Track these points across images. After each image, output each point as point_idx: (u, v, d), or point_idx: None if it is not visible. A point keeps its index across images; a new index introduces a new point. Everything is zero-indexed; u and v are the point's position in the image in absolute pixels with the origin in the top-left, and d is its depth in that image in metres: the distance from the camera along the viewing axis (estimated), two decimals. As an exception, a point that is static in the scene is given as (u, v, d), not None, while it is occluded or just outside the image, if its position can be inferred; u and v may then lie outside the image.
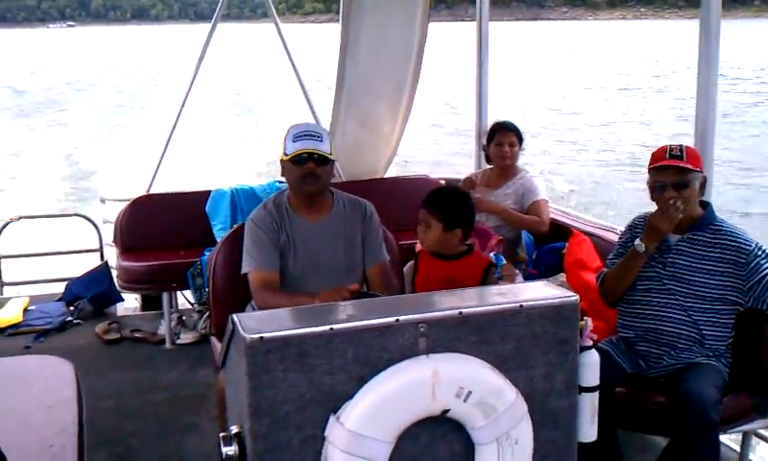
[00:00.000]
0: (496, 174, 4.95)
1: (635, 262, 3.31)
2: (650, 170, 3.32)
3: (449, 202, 3.35)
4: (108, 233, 6.25)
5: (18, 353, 4.91)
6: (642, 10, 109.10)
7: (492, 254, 3.22)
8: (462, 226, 3.32)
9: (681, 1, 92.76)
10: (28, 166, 18.50)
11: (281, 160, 3.41)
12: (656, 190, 3.28)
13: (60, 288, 6.27)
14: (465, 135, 14.79)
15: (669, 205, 3.19)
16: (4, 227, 6.72)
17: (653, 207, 3.37)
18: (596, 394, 2.42)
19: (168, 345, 5.40)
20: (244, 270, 3.40)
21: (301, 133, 3.37)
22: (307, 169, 3.31)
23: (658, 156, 3.29)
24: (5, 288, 6.73)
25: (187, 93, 6.34)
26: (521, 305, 2.25)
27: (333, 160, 3.42)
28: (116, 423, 4.30)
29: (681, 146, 3.30)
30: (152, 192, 6.27)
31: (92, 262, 6.62)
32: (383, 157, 6.56)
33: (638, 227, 3.45)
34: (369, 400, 2.10)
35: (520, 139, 4.89)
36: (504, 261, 3.19)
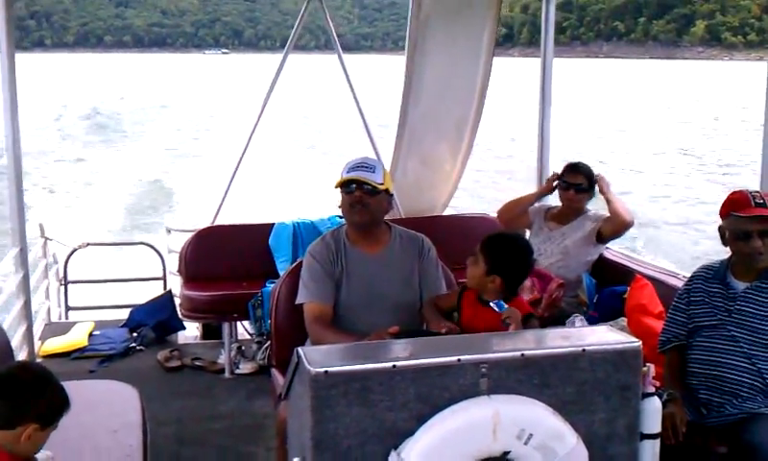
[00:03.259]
0: (565, 212, 4.93)
1: None
2: (729, 216, 3.25)
3: (501, 247, 3.21)
4: (172, 262, 6.39)
5: (83, 377, 5.03)
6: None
7: (492, 303, 3.10)
8: (502, 275, 3.15)
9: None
10: (97, 193, 18.99)
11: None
12: (739, 238, 3.22)
13: (124, 314, 6.41)
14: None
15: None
16: (72, 253, 6.92)
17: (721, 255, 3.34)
18: (657, 441, 2.41)
19: (227, 374, 5.48)
20: (299, 300, 3.46)
21: (356, 165, 3.45)
22: (355, 198, 3.38)
23: (740, 202, 3.21)
24: (71, 313, 6.93)
25: (255, 124, 6.46)
26: (584, 349, 2.26)
27: (385, 192, 3.45)
28: (176, 449, 4.37)
29: (759, 193, 3.25)
30: (216, 223, 6.39)
31: (156, 290, 6.76)
32: (442, 195, 6.59)
33: (699, 279, 3.41)
34: (429, 437, 2.13)
35: (591, 182, 4.85)
36: (506, 306, 3.07)
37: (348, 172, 3.42)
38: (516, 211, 5.09)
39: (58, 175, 21.66)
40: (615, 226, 4.71)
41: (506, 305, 3.04)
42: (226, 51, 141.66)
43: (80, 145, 28.09)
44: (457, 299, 3.31)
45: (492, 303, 3.07)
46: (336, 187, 3.45)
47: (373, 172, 3.41)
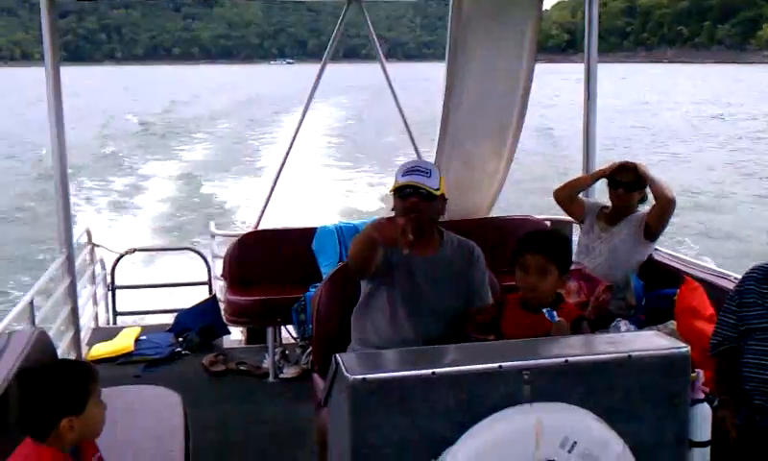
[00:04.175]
0: (614, 213, 4.83)
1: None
2: None
3: (562, 246, 3.18)
4: (217, 267, 6.43)
5: (129, 382, 5.08)
6: None
7: (544, 311, 3.02)
8: (568, 271, 3.18)
9: None
10: (145, 198, 19.27)
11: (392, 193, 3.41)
12: None
13: (169, 319, 6.47)
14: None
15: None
16: (119, 259, 7.01)
17: None
18: (707, 449, 2.34)
19: (271, 378, 5.49)
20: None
21: (411, 168, 3.39)
22: (410, 203, 3.30)
23: None
24: (118, 318, 7.02)
25: (296, 131, 6.48)
26: (630, 355, 2.19)
27: (440, 197, 3.38)
28: (220, 453, 4.38)
29: None
30: (260, 228, 6.41)
31: (201, 295, 6.82)
32: (486, 197, 6.52)
33: (750, 280, 3.30)
34: (470, 446, 2.09)
35: (641, 181, 4.74)
36: (557, 318, 2.98)
37: (402, 176, 3.35)
38: (572, 191, 5.02)
39: (107, 181, 22.04)
40: (661, 205, 4.57)
41: (557, 316, 2.96)
42: (290, 61, 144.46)
43: (129, 152, 28.57)
44: (498, 308, 3.25)
45: (544, 311, 2.98)
46: (391, 192, 3.39)
47: (429, 176, 3.34)
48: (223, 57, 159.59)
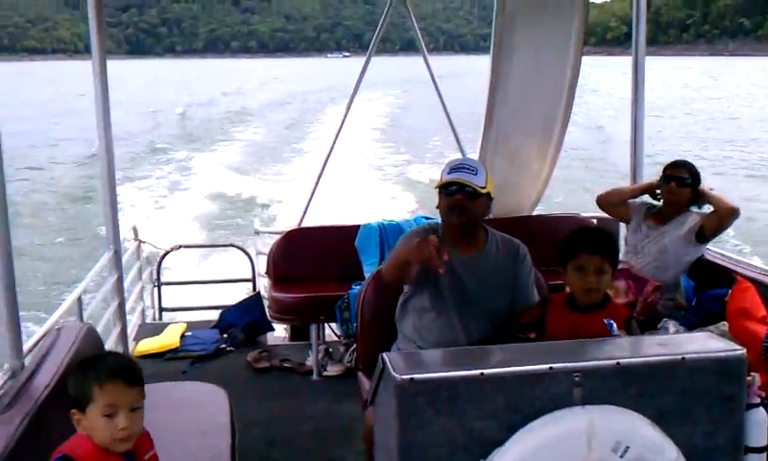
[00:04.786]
0: (665, 210, 4.74)
1: None
2: None
3: (614, 244, 3.15)
4: (261, 264, 6.45)
5: (176, 378, 5.13)
6: None
7: (605, 321, 2.96)
8: (616, 269, 3.14)
9: None
10: (187, 196, 19.45)
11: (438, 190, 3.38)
12: None
13: (214, 315, 6.51)
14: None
15: None
16: (164, 256, 7.08)
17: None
18: (764, 455, 2.29)
19: (315, 376, 5.50)
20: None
21: (457, 166, 3.36)
22: (455, 201, 3.27)
23: None
24: (164, 314, 7.09)
25: (340, 127, 6.48)
26: (683, 358, 2.15)
27: (486, 196, 3.33)
28: (264, 450, 4.39)
29: None
30: (303, 225, 6.42)
31: (245, 292, 6.86)
32: (531, 195, 6.46)
33: None
34: (520, 448, 2.06)
35: (695, 179, 4.65)
36: (616, 330, 2.93)
37: (449, 173, 3.33)
38: (616, 200, 4.97)
39: (152, 177, 22.30)
40: (722, 215, 4.48)
41: (615, 327, 2.91)
42: (347, 54, 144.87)
43: (174, 147, 28.85)
44: (542, 307, 3.21)
45: (605, 322, 2.93)
46: (436, 188, 3.37)
47: (476, 174, 3.30)
48: (280, 50, 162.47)
